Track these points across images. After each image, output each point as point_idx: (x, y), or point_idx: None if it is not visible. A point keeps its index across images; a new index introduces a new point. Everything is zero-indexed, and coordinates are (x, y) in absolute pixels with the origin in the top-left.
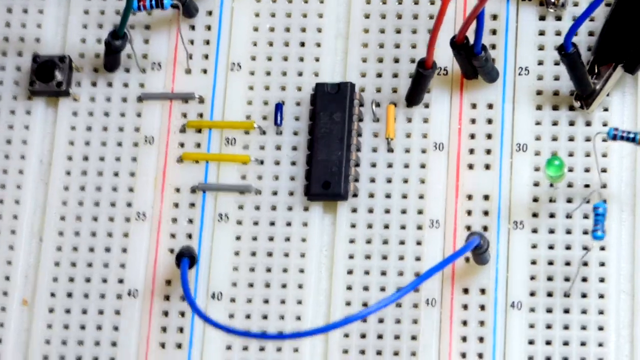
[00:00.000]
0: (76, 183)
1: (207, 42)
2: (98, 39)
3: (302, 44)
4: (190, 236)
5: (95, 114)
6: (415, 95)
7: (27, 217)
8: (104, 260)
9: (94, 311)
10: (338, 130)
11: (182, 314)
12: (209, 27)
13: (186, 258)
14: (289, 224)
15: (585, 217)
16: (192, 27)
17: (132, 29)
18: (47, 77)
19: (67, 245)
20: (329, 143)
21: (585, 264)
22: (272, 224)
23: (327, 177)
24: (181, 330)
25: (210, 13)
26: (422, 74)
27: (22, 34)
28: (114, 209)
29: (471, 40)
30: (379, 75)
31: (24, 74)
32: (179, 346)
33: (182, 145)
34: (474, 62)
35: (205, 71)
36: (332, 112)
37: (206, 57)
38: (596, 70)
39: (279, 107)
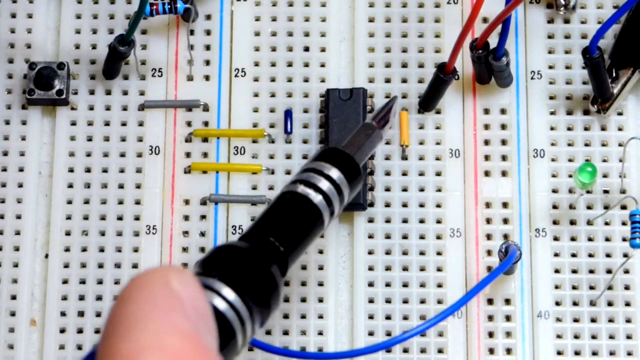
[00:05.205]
0: (80, 196)
1: (208, 48)
2: (93, 44)
3: (307, 49)
4: (203, 249)
5: (96, 124)
6: (432, 101)
7: (30, 233)
8: (115, 276)
9: None
10: None
11: None
12: (208, 32)
13: None
14: None
15: (607, 223)
16: (192, 32)
17: None
18: (47, 85)
19: (75, 262)
20: None
21: (609, 271)
22: None
23: None
24: None
25: (209, 17)
26: (443, 79)
27: (12, 39)
28: (122, 223)
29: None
30: (387, 80)
31: (17, 81)
32: None
33: (187, 155)
34: (495, 66)
35: (207, 77)
36: (345, 119)
37: (207, 63)
38: (614, 74)
39: (288, 114)
